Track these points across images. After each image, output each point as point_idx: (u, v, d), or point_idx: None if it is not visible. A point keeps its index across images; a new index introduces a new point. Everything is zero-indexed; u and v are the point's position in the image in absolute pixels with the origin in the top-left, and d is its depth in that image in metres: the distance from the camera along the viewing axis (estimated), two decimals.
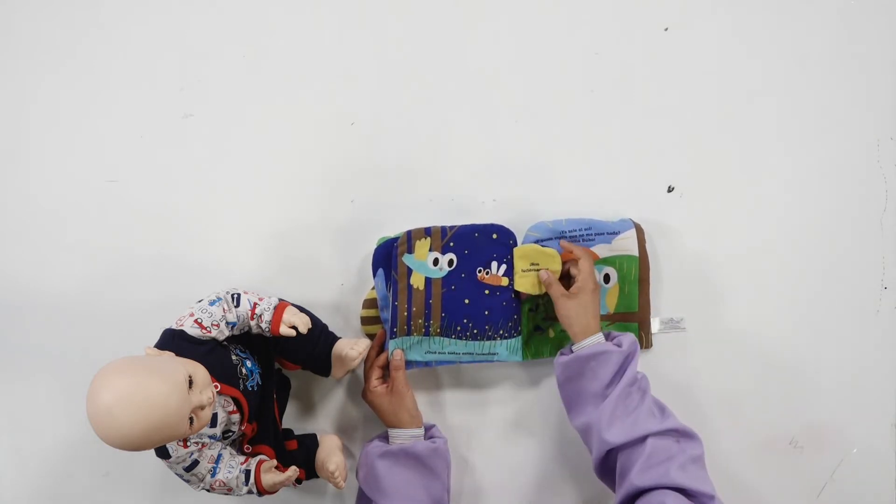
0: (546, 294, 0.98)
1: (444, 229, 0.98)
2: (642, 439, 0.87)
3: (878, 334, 1.06)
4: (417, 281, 0.97)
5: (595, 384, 0.91)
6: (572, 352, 0.94)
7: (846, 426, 1.06)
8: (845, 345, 1.06)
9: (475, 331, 0.97)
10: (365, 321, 1.03)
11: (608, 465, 0.91)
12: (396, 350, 0.98)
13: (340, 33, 1.05)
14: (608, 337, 0.95)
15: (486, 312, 0.97)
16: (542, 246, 0.98)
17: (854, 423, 1.06)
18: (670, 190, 1.06)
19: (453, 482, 1.03)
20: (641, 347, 1.03)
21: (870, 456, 1.07)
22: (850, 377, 1.06)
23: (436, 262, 0.97)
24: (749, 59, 1.05)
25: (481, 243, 0.97)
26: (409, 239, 0.98)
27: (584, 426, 0.92)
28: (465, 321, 0.97)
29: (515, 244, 0.98)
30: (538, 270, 0.97)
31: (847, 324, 1.06)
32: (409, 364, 0.99)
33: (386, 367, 1.00)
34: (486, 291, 0.97)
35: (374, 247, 1.01)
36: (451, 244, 0.97)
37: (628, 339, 0.93)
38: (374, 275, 1.00)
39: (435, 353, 0.99)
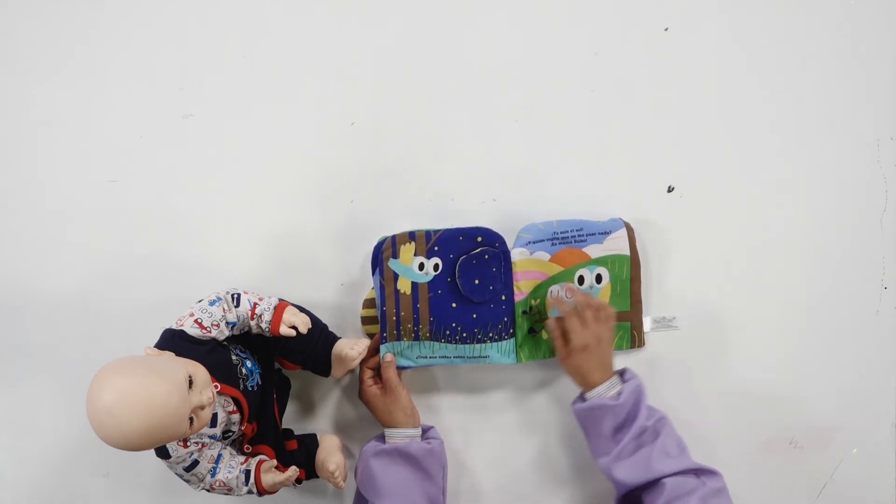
0: (540, 297, 0.99)
1: (428, 234, 0.98)
2: (657, 481, 0.88)
3: (878, 334, 1.06)
4: (404, 286, 0.97)
5: (604, 431, 0.92)
6: (584, 399, 0.96)
7: (846, 426, 1.06)
8: (845, 345, 1.06)
9: (464, 334, 0.97)
10: (365, 321, 1.03)
11: (631, 501, 0.92)
12: (387, 352, 0.98)
13: (340, 34, 1.05)
14: (622, 376, 0.95)
15: (474, 316, 0.97)
16: (533, 248, 0.98)
17: (854, 423, 1.06)
18: (670, 190, 1.06)
19: (451, 483, 1.03)
20: (634, 346, 1.03)
21: (870, 456, 1.07)
22: (850, 377, 1.06)
23: (421, 266, 0.97)
24: (749, 60, 1.05)
25: (466, 247, 0.97)
26: (394, 244, 0.97)
27: (602, 468, 0.93)
28: (453, 325, 0.97)
29: (503, 246, 0.98)
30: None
31: (847, 324, 1.06)
32: (402, 368, 1.00)
33: (378, 367, 1.00)
34: None
35: (374, 246, 1.01)
36: (436, 248, 0.97)
37: (629, 388, 0.93)
38: (374, 274, 1.00)
39: (426, 357, 0.99)
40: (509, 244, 0.99)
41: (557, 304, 0.97)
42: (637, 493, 0.91)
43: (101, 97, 1.06)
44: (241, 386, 0.88)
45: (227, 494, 0.89)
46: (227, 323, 0.88)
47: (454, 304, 0.97)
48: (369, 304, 1.03)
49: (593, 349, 0.93)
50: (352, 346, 0.96)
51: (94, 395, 0.72)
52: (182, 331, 0.84)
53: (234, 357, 0.89)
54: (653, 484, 0.88)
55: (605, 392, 0.93)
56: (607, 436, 0.92)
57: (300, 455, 0.98)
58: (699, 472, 0.89)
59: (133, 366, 0.75)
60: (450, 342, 0.97)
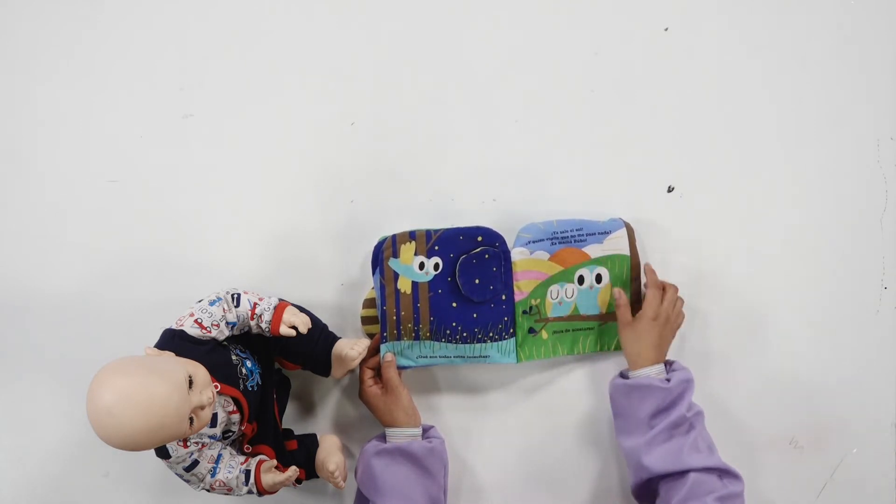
0: (539, 296, 0.99)
1: (428, 233, 0.98)
2: (683, 473, 0.88)
3: (878, 334, 1.06)
4: (404, 285, 0.97)
5: (641, 413, 0.93)
6: (625, 377, 0.96)
7: (846, 426, 1.06)
8: (845, 345, 1.06)
9: (465, 334, 0.97)
10: (365, 321, 1.03)
11: (647, 490, 0.93)
12: (387, 352, 0.98)
13: (340, 34, 1.05)
14: (668, 366, 0.96)
15: (475, 315, 0.97)
16: (532, 248, 0.98)
17: (854, 423, 1.06)
18: (670, 190, 1.06)
19: (452, 482, 1.03)
20: None
21: (870, 456, 1.07)
22: (851, 377, 1.06)
23: (422, 265, 0.97)
24: (749, 59, 1.05)
25: (466, 247, 0.97)
26: (395, 243, 0.97)
27: (628, 450, 0.94)
28: (454, 325, 0.97)
29: (503, 246, 0.98)
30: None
31: (847, 324, 1.06)
32: (402, 368, 1.00)
33: (378, 367, 1.00)
34: None
35: (374, 246, 1.01)
36: (436, 248, 0.97)
37: (679, 376, 0.93)
38: (374, 273, 1.00)
39: (426, 356, 0.99)
40: (509, 244, 0.99)
41: (648, 272, 1.00)
42: (655, 481, 0.91)
43: (101, 97, 1.06)
44: (241, 386, 0.88)
45: (227, 494, 0.89)
46: (227, 323, 0.88)
47: (454, 304, 0.97)
48: (369, 303, 1.03)
49: (661, 325, 0.95)
50: (352, 346, 0.95)
51: (94, 395, 0.72)
52: (182, 331, 0.84)
53: (234, 357, 0.89)
54: (676, 475, 0.89)
55: (654, 374, 0.94)
56: (643, 418, 0.92)
57: (300, 455, 0.98)
58: (723, 473, 0.89)
59: (133, 366, 0.75)
60: (450, 342, 0.97)
